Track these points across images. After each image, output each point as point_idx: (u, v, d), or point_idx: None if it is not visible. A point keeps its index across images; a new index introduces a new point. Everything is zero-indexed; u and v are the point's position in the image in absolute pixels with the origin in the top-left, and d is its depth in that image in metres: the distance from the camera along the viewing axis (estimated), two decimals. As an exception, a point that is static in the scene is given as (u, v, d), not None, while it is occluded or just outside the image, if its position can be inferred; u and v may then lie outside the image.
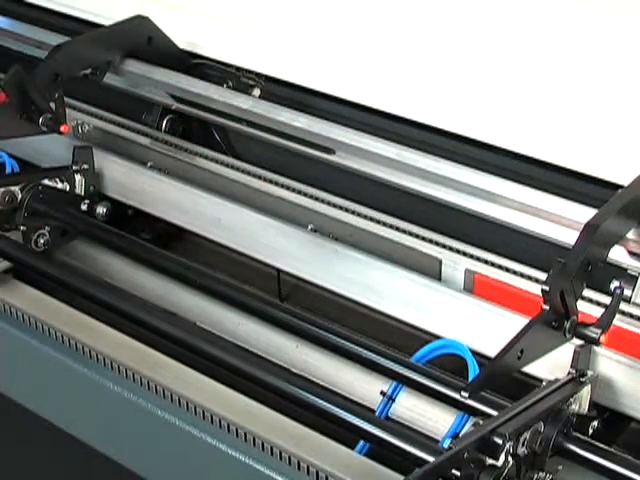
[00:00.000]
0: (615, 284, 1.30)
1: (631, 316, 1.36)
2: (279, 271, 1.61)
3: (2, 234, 1.62)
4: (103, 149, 1.78)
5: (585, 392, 1.24)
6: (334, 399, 1.29)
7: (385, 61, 1.71)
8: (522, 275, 1.46)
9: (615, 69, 1.51)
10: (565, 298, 1.21)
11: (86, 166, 1.73)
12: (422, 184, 1.56)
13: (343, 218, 1.61)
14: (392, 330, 1.49)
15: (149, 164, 1.78)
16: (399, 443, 1.21)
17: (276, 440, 1.25)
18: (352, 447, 1.29)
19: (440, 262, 1.49)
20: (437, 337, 1.41)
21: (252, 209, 1.62)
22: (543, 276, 1.32)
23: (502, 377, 1.18)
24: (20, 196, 1.67)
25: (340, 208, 1.63)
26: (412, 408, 1.39)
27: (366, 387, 1.42)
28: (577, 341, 1.25)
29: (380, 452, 1.25)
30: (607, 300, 1.31)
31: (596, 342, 1.24)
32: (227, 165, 1.76)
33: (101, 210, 1.72)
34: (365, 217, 1.61)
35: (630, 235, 1.36)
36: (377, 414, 1.36)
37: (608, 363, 1.29)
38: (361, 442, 1.30)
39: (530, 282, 1.44)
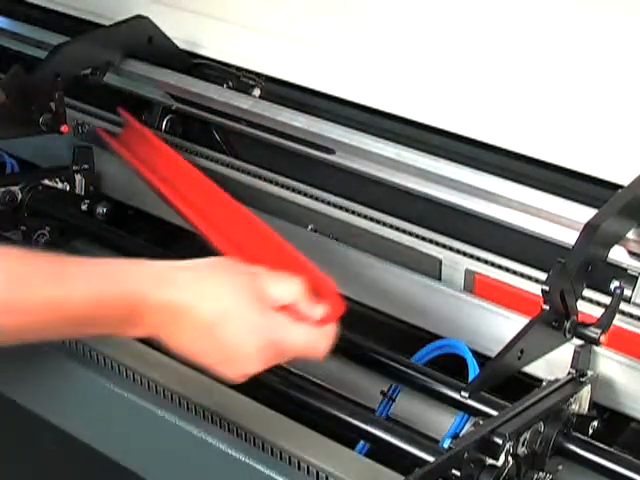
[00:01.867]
0: (615, 284, 1.30)
1: (631, 316, 1.36)
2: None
3: (2, 234, 1.62)
4: (103, 149, 1.78)
5: (585, 392, 1.24)
6: (334, 399, 1.29)
7: (385, 61, 1.71)
8: (522, 275, 1.46)
9: (615, 69, 1.51)
10: (565, 298, 1.21)
11: (86, 166, 1.73)
12: (422, 184, 1.56)
13: (343, 218, 1.61)
14: (392, 330, 1.49)
15: (149, 164, 1.78)
16: (399, 443, 1.21)
17: (276, 440, 1.24)
18: (352, 447, 1.29)
19: (440, 262, 1.49)
20: (437, 337, 1.41)
21: (252, 209, 1.62)
22: (543, 276, 1.32)
23: (502, 377, 1.18)
24: (20, 196, 1.68)
25: (340, 208, 1.63)
26: (412, 408, 1.39)
27: (366, 387, 1.42)
28: (577, 341, 1.25)
29: (380, 452, 1.25)
30: (607, 300, 1.31)
31: (596, 342, 1.24)
32: (227, 165, 1.76)
33: (101, 210, 1.72)
34: (365, 217, 1.61)
35: (630, 235, 1.36)
36: (377, 414, 1.36)
37: (608, 363, 1.29)
38: (361, 442, 1.30)
39: (530, 282, 1.44)
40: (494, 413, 1.23)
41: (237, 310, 1.13)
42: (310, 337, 1.15)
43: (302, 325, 1.15)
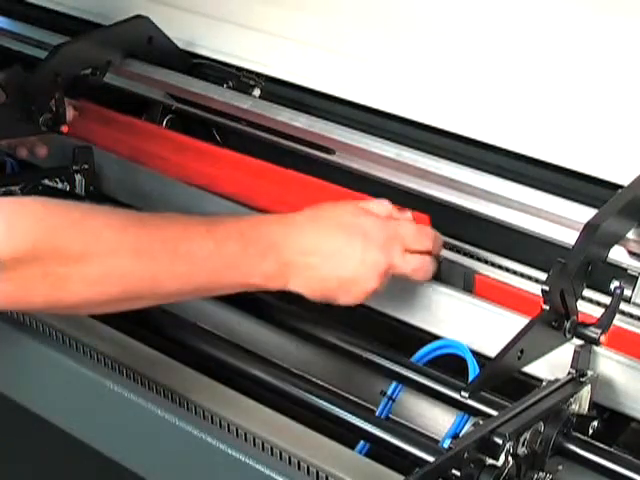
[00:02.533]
0: (615, 284, 1.30)
1: (631, 316, 1.36)
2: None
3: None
4: (103, 149, 1.78)
5: (585, 392, 1.24)
6: (334, 399, 1.29)
7: (385, 61, 1.71)
8: (522, 275, 1.46)
9: (615, 69, 1.51)
10: (565, 298, 1.21)
11: (86, 166, 1.73)
12: (422, 184, 1.56)
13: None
14: (392, 330, 1.49)
15: (149, 164, 1.78)
16: (399, 443, 1.21)
17: (276, 440, 1.24)
18: (352, 447, 1.29)
19: (440, 262, 1.49)
20: (437, 337, 1.41)
21: (252, 209, 1.62)
22: (543, 276, 1.32)
23: (502, 377, 1.18)
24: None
25: (340, 208, 1.63)
26: (412, 408, 1.39)
27: (366, 387, 1.42)
28: (577, 341, 1.25)
29: (380, 452, 1.25)
30: (607, 300, 1.31)
31: (596, 342, 1.24)
32: (227, 165, 1.76)
33: (101, 210, 1.72)
34: (365, 217, 1.60)
35: (630, 235, 1.36)
36: (377, 414, 1.36)
37: (608, 363, 1.29)
38: (361, 442, 1.30)
39: (530, 282, 1.44)
40: (494, 413, 1.23)
41: (361, 236, 1.31)
42: (418, 262, 1.36)
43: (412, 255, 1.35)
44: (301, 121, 1.67)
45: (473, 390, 1.16)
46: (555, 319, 1.21)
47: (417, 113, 1.65)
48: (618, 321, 1.30)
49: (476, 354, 1.35)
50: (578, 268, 1.23)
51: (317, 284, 1.31)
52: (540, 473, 1.17)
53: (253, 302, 1.47)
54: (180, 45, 1.88)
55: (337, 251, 1.30)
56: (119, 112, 1.87)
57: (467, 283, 1.47)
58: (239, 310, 1.51)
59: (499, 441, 1.09)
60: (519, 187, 1.47)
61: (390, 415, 1.37)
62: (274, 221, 1.32)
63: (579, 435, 1.21)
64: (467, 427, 1.31)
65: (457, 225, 1.57)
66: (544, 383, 1.24)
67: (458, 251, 1.52)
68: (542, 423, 1.16)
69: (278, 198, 1.60)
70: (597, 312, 1.28)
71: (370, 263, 1.31)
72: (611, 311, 1.26)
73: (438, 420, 1.37)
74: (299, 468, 1.22)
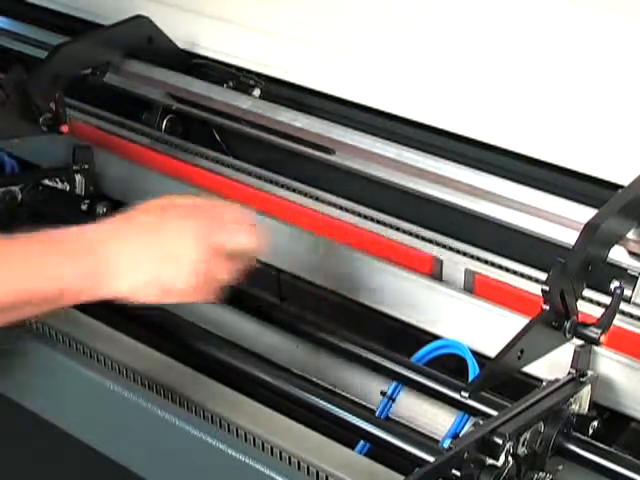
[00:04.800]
0: (615, 284, 1.30)
1: (631, 316, 1.36)
2: (279, 271, 1.61)
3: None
4: (103, 149, 1.78)
5: (585, 392, 1.24)
6: (334, 399, 1.29)
7: (385, 61, 1.71)
8: (522, 275, 1.46)
9: (615, 69, 1.51)
10: (565, 298, 1.21)
11: (86, 166, 1.73)
12: (422, 184, 1.56)
13: (343, 218, 1.61)
14: (392, 330, 1.49)
15: (149, 164, 1.78)
16: (399, 443, 1.21)
17: (276, 440, 1.25)
18: (352, 447, 1.29)
19: (440, 262, 1.49)
20: (437, 337, 1.41)
21: (252, 209, 1.62)
22: (543, 276, 1.32)
23: (502, 377, 1.18)
24: (20, 196, 1.68)
25: (340, 208, 1.63)
26: (412, 408, 1.39)
27: (366, 387, 1.42)
28: (577, 341, 1.25)
29: (380, 452, 1.25)
30: (607, 300, 1.31)
31: (596, 342, 1.24)
32: (227, 165, 1.76)
33: (101, 210, 1.72)
34: (365, 217, 1.61)
35: (630, 235, 1.36)
36: (377, 414, 1.36)
37: (608, 363, 1.29)
38: (361, 442, 1.30)
39: (530, 282, 1.44)
40: (494, 413, 1.23)
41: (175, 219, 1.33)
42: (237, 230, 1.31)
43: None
44: (301, 121, 1.67)
45: (473, 390, 1.17)
46: (555, 319, 1.21)
47: (417, 113, 1.65)
48: (618, 321, 1.30)
49: (476, 354, 1.35)
50: (578, 268, 1.23)
51: (142, 268, 1.27)
52: (540, 473, 1.17)
53: (253, 302, 1.48)
54: (180, 45, 1.88)
55: (149, 240, 1.32)
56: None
57: (467, 283, 1.48)
58: (239, 310, 1.51)
59: (499, 441, 1.09)
60: (519, 187, 1.47)
61: (390, 415, 1.37)
62: (88, 226, 1.30)
63: (579, 435, 1.21)
64: (467, 427, 1.31)
65: (457, 225, 1.57)
66: (544, 383, 1.24)
67: (458, 251, 1.52)
68: (542, 423, 1.16)
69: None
70: (597, 312, 1.28)
71: (186, 233, 1.29)
72: (611, 311, 1.26)
73: (438, 420, 1.37)
74: (299, 468, 1.22)
